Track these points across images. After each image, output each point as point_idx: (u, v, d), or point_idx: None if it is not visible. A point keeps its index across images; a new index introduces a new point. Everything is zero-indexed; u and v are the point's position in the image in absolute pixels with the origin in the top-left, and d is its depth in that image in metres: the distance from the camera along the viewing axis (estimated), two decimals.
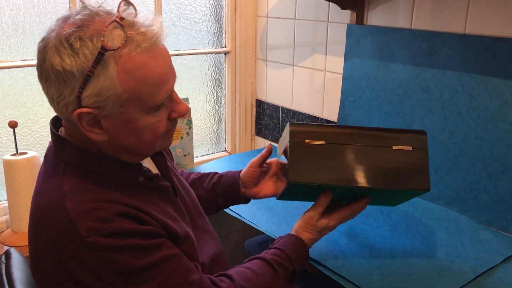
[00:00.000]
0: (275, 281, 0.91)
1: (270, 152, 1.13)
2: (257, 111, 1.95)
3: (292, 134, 0.98)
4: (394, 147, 0.98)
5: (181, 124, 1.65)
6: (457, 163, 1.29)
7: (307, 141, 0.98)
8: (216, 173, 1.21)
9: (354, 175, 0.97)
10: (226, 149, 1.97)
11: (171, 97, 0.84)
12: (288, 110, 1.79)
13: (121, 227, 0.75)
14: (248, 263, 0.94)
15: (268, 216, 1.31)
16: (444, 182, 1.33)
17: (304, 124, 1.02)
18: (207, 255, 1.00)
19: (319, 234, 1.00)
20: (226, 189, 1.17)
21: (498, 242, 1.18)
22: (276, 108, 1.84)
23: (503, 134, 1.19)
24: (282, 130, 1.84)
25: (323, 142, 0.98)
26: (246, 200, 1.17)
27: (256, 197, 1.15)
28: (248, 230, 1.27)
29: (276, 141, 1.88)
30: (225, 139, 1.96)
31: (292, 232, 1.01)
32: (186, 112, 0.87)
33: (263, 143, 1.95)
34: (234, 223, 1.55)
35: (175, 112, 0.86)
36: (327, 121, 1.64)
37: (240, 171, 1.17)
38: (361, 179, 0.97)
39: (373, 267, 1.07)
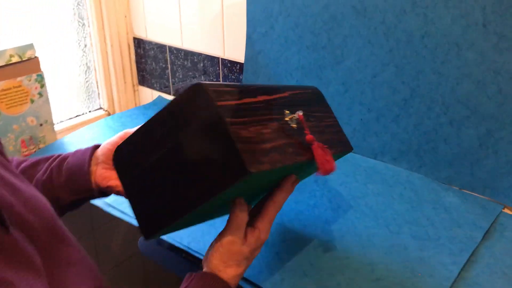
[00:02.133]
0: None
1: None
2: (137, 53, 1.49)
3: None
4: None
5: (28, 82, 1.16)
6: (408, 107, 0.99)
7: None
8: (60, 155, 0.79)
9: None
10: (102, 106, 1.51)
11: None
12: (179, 50, 1.36)
13: None
14: None
15: None
16: (390, 133, 1.04)
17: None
18: None
19: (248, 260, 0.65)
20: (70, 176, 0.76)
21: (468, 207, 0.92)
22: (162, 48, 1.41)
23: (471, 67, 0.89)
24: (174, 76, 1.42)
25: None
26: (103, 193, 0.79)
27: (115, 189, 0.77)
28: None
29: (167, 91, 1.46)
30: (99, 94, 1.50)
31: (209, 270, 0.64)
32: None
33: (150, 95, 1.52)
34: None
35: None
36: (231, 62, 1.25)
37: (97, 146, 0.79)
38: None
39: (325, 274, 0.75)
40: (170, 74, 1.42)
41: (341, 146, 0.77)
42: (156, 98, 1.47)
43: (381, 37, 0.98)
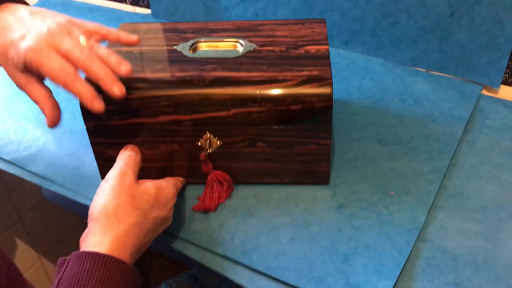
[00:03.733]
0: None
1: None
2: None
3: None
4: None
5: None
6: None
7: None
8: None
9: None
10: None
11: None
12: None
13: None
14: None
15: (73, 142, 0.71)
16: (338, 10, 0.82)
17: None
18: None
19: (146, 215, 0.49)
20: None
21: (442, 93, 0.75)
22: None
23: None
24: None
25: None
26: None
27: None
28: None
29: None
30: None
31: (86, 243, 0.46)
32: None
33: None
34: None
35: None
36: None
37: None
38: None
39: (273, 208, 0.58)
40: None
41: (301, 177, 0.60)
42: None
43: None
